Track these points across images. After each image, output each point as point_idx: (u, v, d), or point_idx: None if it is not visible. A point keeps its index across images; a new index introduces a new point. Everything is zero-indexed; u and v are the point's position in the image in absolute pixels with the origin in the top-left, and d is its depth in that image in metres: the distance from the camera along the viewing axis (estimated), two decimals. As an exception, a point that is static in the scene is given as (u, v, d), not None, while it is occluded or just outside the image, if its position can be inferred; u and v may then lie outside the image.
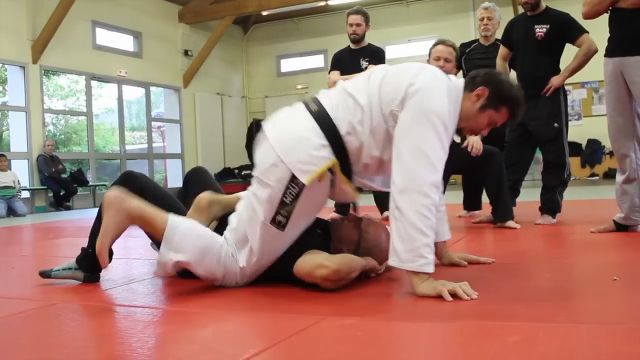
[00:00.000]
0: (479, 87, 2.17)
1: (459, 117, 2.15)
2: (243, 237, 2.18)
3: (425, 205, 1.94)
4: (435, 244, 2.47)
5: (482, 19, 4.66)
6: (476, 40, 4.80)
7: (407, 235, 1.93)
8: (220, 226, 2.36)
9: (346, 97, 2.15)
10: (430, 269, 1.95)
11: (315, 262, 2.09)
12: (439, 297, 1.89)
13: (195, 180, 2.73)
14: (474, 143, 3.84)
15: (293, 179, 2.06)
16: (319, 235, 2.36)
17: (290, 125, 2.20)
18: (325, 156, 2.08)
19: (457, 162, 4.00)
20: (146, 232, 2.31)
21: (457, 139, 4.23)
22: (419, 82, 2.06)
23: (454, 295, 1.89)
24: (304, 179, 2.05)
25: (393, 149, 2.04)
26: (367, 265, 2.25)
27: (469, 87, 2.19)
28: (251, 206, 2.17)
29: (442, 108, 2.04)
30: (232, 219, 2.27)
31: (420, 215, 1.93)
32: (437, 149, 2.00)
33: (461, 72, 4.54)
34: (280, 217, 2.11)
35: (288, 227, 2.12)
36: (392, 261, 1.99)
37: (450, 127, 2.08)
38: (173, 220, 2.15)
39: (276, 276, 2.26)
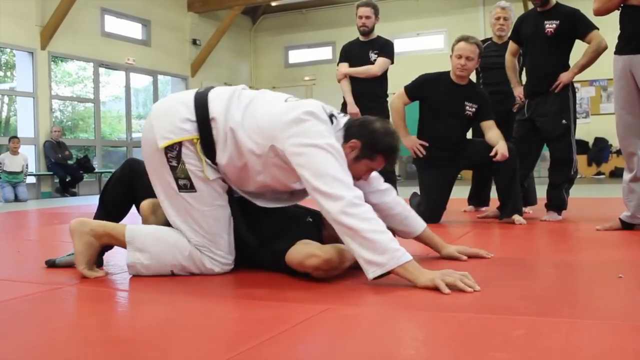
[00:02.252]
0: (352, 139, 2.21)
1: None
2: (185, 227, 2.24)
3: (365, 212, 1.99)
4: (428, 238, 2.52)
5: (498, 18, 4.70)
6: (489, 39, 4.87)
7: (371, 243, 1.94)
8: None
9: (231, 96, 2.22)
10: (409, 255, 1.96)
11: (306, 252, 2.09)
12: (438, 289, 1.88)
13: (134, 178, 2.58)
14: (503, 151, 3.75)
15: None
16: (311, 224, 2.38)
17: (171, 97, 2.36)
18: (187, 130, 2.17)
19: (472, 158, 4.00)
20: (118, 246, 2.36)
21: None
22: (297, 132, 2.09)
23: (454, 288, 1.88)
24: (160, 143, 2.16)
25: (305, 186, 2.08)
26: None
27: (345, 138, 2.22)
28: (164, 201, 2.26)
29: (322, 132, 2.09)
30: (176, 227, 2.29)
31: (368, 220, 1.97)
32: (338, 168, 2.05)
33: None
34: (181, 181, 2.19)
35: (199, 187, 2.19)
36: (372, 273, 1.95)
37: (338, 147, 2.11)
38: (131, 226, 2.29)
39: (268, 266, 2.28)
